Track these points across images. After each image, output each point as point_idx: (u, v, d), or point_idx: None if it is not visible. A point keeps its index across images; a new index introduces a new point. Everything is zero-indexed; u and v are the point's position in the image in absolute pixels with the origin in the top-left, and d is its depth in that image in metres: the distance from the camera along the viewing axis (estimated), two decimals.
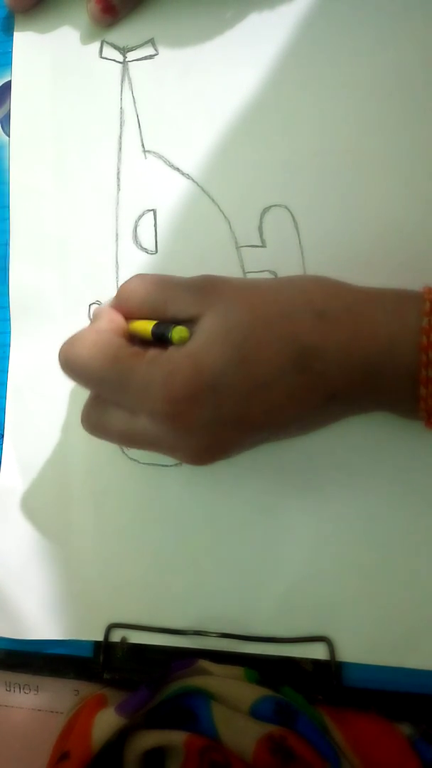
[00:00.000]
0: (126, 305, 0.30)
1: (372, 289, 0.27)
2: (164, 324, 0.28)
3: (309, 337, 0.26)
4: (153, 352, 0.27)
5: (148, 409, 0.27)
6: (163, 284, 0.29)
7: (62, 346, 0.29)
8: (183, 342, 0.27)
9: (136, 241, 0.35)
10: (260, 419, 0.26)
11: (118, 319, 0.30)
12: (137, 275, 0.30)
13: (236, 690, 0.30)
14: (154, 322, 0.28)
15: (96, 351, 0.28)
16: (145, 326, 0.28)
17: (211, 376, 0.25)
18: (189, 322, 0.27)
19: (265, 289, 0.28)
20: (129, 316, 0.30)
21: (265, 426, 0.27)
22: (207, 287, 0.28)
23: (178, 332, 0.27)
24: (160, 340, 0.28)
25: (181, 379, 0.26)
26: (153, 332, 0.28)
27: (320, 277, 0.28)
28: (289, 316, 0.26)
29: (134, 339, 0.29)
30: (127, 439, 0.29)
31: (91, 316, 0.31)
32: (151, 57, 0.35)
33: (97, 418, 0.30)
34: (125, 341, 0.29)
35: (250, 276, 0.33)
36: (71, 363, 0.29)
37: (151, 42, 0.35)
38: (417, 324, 0.25)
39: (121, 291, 0.30)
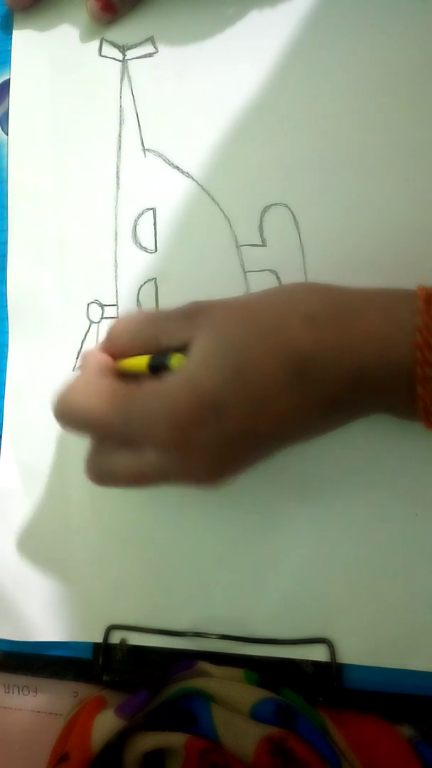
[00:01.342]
0: (118, 344, 0.30)
1: (363, 290, 0.27)
2: (160, 355, 0.28)
3: (302, 344, 0.25)
4: (148, 384, 0.27)
5: (153, 440, 0.26)
6: (151, 319, 0.29)
7: (56, 400, 0.29)
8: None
9: (136, 240, 0.35)
10: (265, 432, 0.26)
11: (105, 359, 0.30)
12: (122, 317, 0.31)
13: (236, 692, 0.30)
14: (147, 357, 0.28)
15: (91, 396, 0.28)
16: (139, 362, 0.29)
17: (210, 396, 0.25)
18: (182, 349, 0.27)
19: (253, 303, 0.28)
20: (121, 356, 0.30)
21: (270, 439, 0.27)
22: (195, 312, 0.28)
23: (176, 359, 0.27)
24: (157, 372, 0.28)
25: (182, 404, 0.25)
26: (150, 366, 0.28)
27: (307, 283, 0.28)
28: (281, 325, 0.26)
29: (124, 377, 0.29)
30: (135, 478, 0.28)
31: (80, 362, 0.31)
32: (150, 55, 0.35)
33: (101, 466, 0.29)
34: (116, 380, 0.29)
35: (250, 275, 0.33)
36: (68, 414, 0.28)
37: (151, 40, 0.35)
38: (411, 322, 0.25)
39: (110, 333, 0.30)
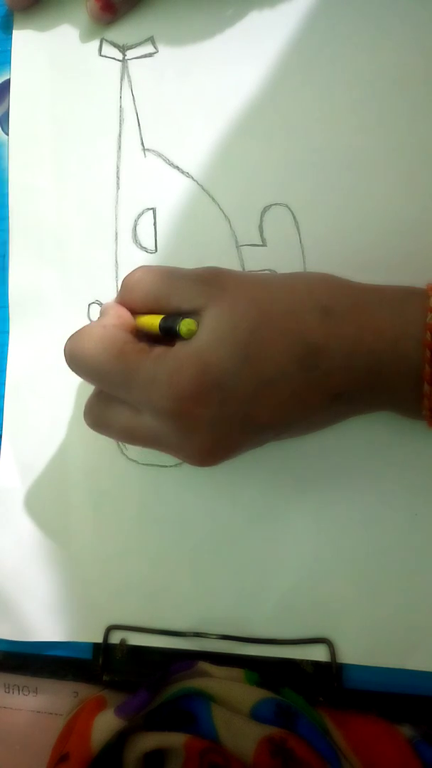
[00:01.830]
0: (130, 296, 0.29)
1: (377, 286, 0.27)
2: (172, 317, 0.27)
3: (314, 335, 0.25)
4: (159, 349, 0.27)
5: (153, 406, 0.26)
6: (168, 276, 0.29)
7: (68, 341, 0.29)
8: (191, 334, 0.26)
9: (136, 240, 0.35)
10: (265, 418, 0.26)
11: (125, 315, 0.29)
12: (141, 267, 0.30)
13: (236, 692, 0.30)
14: (161, 316, 0.28)
15: (102, 346, 0.28)
16: (152, 321, 0.28)
17: (217, 374, 0.25)
18: (194, 313, 0.27)
19: (270, 285, 0.27)
20: (133, 308, 0.30)
21: (269, 425, 0.27)
22: (212, 279, 0.27)
23: (186, 324, 0.26)
24: (167, 334, 0.27)
25: (187, 376, 0.25)
26: (161, 326, 0.28)
27: (325, 274, 0.28)
28: (295, 313, 0.26)
29: (141, 335, 0.29)
30: (129, 435, 0.28)
31: (100, 312, 0.30)
32: (150, 55, 0.35)
33: (99, 414, 0.29)
34: (132, 336, 0.28)
35: None
36: (76, 357, 0.28)
37: (151, 40, 0.35)
38: (421, 320, 0.25)
39: (126, 282, 0.30)
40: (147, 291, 0.29)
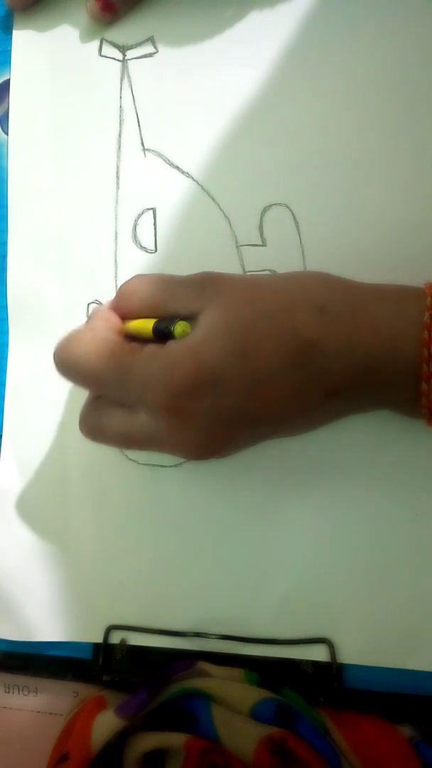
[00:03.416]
0: (126, 304, 0.29)
1: (374, 285, 0.27)
2: (166, 320, 0.27)
3: (309, 332, 0.25)
4: (151, 347, 0.27)
5: (148, 404, 0.26)
6: (163, 282, 0.29)
7: (57, 346, 0.29)
8: (185, 336, 0.26)
9: (136, 240, 0.35)
10: (260, 414, 0.26)
11: (114, 318, 0.29)
12: (137, 275, 0.30)
13: (236, 692, 0.30)
14: (154, 320, 0.28)
15: (92, 348, 0.28)
16: (145, 324, 0.28)
17: (211, 369, 0.25)
18: (190, 318, 0.27)
19: (265, 285, 0.28)
20: (129, 316, 0.30)
21: (264, 421, 0.27)
22: (206, 283, 0.27)
23: (180, 327, 0.27)
24: (161, 336, 0.27)
25: (181, 372, 0.25)
26: (155, 329, 0.28)
27: (321, 273, 0.28)
28: (290, 310, 0.26)
29: (131, 338, 0.29)
30: (126, 439, 0.28)
31: (88, 317, 0.31)
32: (150, 55, 0.35)
33: (95, 421, 0.29)
34: (121, 338, 0.28)
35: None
36: (67, 362, 0.28)
37: (151, 40, 0.35)
38: (418, 319, 0.25)
39: (121, 290, 0.30)
40: (143, 298, 0.29)
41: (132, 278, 0.30)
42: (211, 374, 0.25)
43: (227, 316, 0.26)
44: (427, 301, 0.25)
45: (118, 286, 0.30)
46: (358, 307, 0.26)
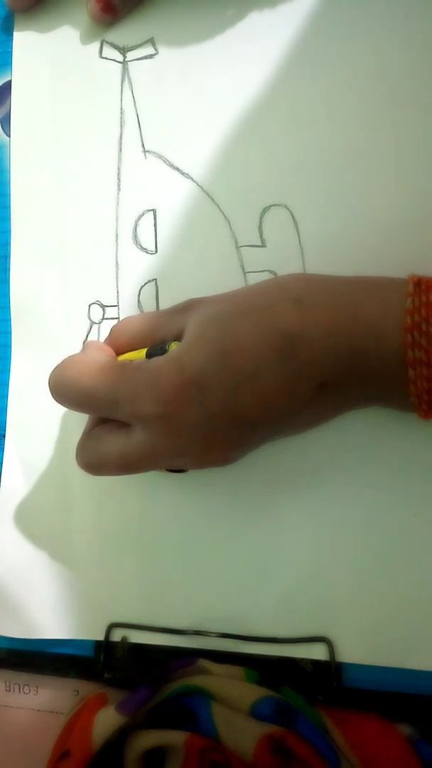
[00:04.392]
0: (116, 341, 0.31)
1: (355, 277, 0.27)
2: (158, 346, 0.29)
3: (289, 324, 0.25)
4: (138, 361, 0.28)
5: (140, 415, 0.27)
6: (150, 316, 0.31)
7: (51, 374, 0.30)
8: None
9: (136, 241, 0.35)
10: (254, 412, 0.26)
11: (107, 348, 0.31)
12: (127, 317, 0.32)
13: (236, 690, 0.30)
14: (144, 350, 0.29)
15: (84, 369, 0.29)
16: (138, 355, 0.30)
17: (193, 373, 0.26)
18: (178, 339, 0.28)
19: (243, 291, 0.29)
20: (121, 351, 0.31)
21: (260, 420, 0.26)
22: (188, 305, 0.29)
23: (173, 347, 0.28)
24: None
25: (165, 378, 0.26)
26: (148, 354, 0.29)
27: (300, 273, 0.29)
28: (268, 306, 0.26)
29: None
30: (126, 461, 0.28)
31: (82, 348, 0.32)
32: (151, 56, 0.35)
33: (92, 449, 0.29)
34: (111, 358, 0.30)
35: (250, 276, 0.33)
36: (60, 385, 0.29)
37: (151, 41, 0.35)
38: (400, 305, 0.25)
39: (112, 330, 0.31)
40: (133, 333, 0.30)
41: (121, 320, 0.32)
42: (195, 378, 0.25)
43: (206, 322, 0.27)
44: (409, 287, 0.25)
45: (112, 327, 0.32)
46: (338, 295, 0.26)
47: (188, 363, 0.26)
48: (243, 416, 0.26)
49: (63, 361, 0.30)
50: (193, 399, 0.25)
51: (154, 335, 0.30)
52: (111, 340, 0.31)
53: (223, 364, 0.25)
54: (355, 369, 0.25)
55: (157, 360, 0.27)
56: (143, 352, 0.29)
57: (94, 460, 0.29)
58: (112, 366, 0.28)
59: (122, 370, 0.28)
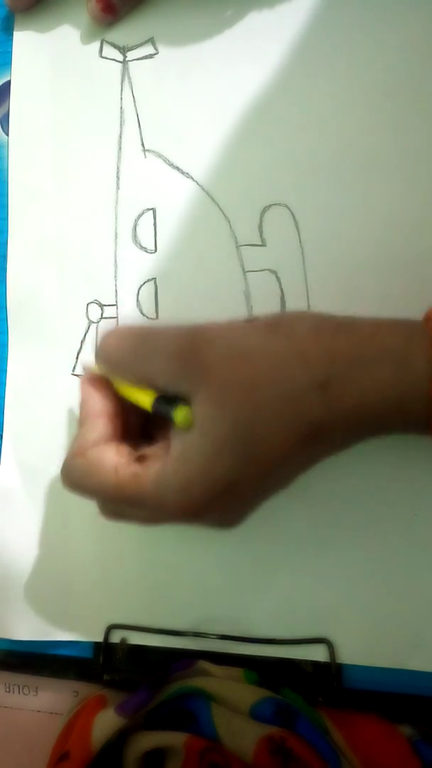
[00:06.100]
0: (109, 368, 0.29)
1: (372, 330, 0.25)
2: (165, 403, 0.26)
3: (316, 415, 0.24)
4: (156, 468, 0.26)
5: (167, 517, 0.27)
6: (144, 348, 0.27)
7: (61, 472, 0.28)
8: (187, 424, 0.25)
9: (136, 241, 0.35)
10: (271, 492, 0.27)
11: (103, 413, 0.29)
12: (113, 332, 0.28)
13: (236, 691, 0.30)
14: (150, 396, 0.27)
15: (96, 480, 0.27)
16: (142, 400, 0.27)
17: (226, 481, 0.25)
18: (181, 399, 0.26)
19: (257, 360, 0.25)
20: (115, 378, 0.29)
21: (274, 493, 0.27)
22: (191, 358, 0.25)
23: (182, 414, 0.25)
24: (160, 415, 0.27)
25: (197, 492, 0.25)
26: (154, 410, 0.27)
27: (315, 323, 0.26)
28: (292, 396, 0.24)
29: (123, 401, 0.29)
30: (149, 524, 0.29)
31: (78, 423, 0.30)
32: (151, 56, 0.35)
33: (114, 512, 0.29)
34: (117, 455, 0.27)
35: (250, 275, 0.33)
36: (77, 490, 0.28)
37: (151, 41, 0.35)
38: (425, 372, 0.23)
39: (102, 352, 0.28)
40: (126, 367, 0.27)
41: (108, 336, 0.28)
42: (226, 485, 0.25)
43: (226, 414, 0.24)
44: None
45: (98, 343, 0.29)
46: (361, 371, 0.24)
47: (218, 474, 0.25)
48: (262, 496, 0.27)
49: (69, 465, 0.28)
50: (223, 503, 0.25)
51: (151, 379, 0.26)
52: (103, 365, 0.29)
53: (251, 467, 0.25)
54: (374, 436, 0.26)
55: (179, 472, 0.25)
56: (148, 401, 0.27)
57: (119, 518, 0.29)
58: (128, 479, 0.26)
59: (141, 484, 0.26)
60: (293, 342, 0.25)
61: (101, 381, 0.29)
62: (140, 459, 0.27)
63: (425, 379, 0.23)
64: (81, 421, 0.29)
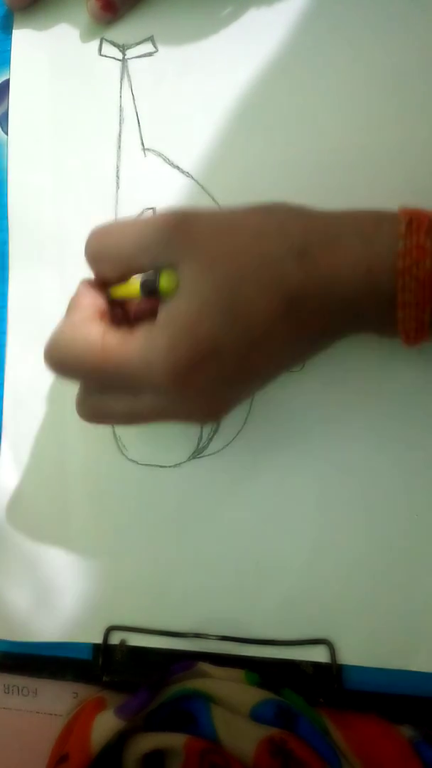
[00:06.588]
0: (99, 268, 0.29)
1: (347, 212, 0.27)
2: (150, 279, 0.27)
3: (293, 280, 0.25)
4: (142, 331, 0.27)
5: (152, 387, 0.27)
6: (131, 232, 0.28)
7: (45, 350, 0.28)
8: (172, 290, 0.26)
9: None
10: (261, 368, 0.27)
11: (93, 303, 0.29)
12: (96, 231, 0.29)
13: (236, 692, 0.30)
14: (136, 282, 0.28)
15: (83, 348, 0.27)
16: (130, 290, 0.28)
17: (210, 343, 0.26)
18: (168, 267, 0.27)
19: (240, 230, 0.27)
20: (107, 279, 0.29)
21: (262, 374, 0.28)
22: (178, 230, 0.26)
23: (166, 279, 0.27)
24: (149, 294, 0.28)
25: (182, 352, 0.25)
26: (142, 290, 0.28)
27: (294, 207, 0.27)
28: (273, 264, 0.26)
29: (118, 303, 0.29)
30: (131, 418, 0.29)
31: (69, 305, 0.30)
32: (150, 54, 0.35)
33: (95, 404, 0.29)
34: (105, 325, 0.28)
35: None
36: (60, 365, 0.28)
37: (151, 39, 0.35)
38: (393, 248, 0.25)
39: (90, 254, 0.29)
40: (115, 258, 0.28)
41: (92, 236, 0.29)
42: (211, 347, 0.26)
43: (210, 274, 0.26)
44: (401, 228, 0.25)
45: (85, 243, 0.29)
46: (335, 243, 0.26)
47: (203, 332, 0.25)
48: (251, 371, 0.27)
49: (55, 338, 0.28)
50: (209, 366, 0.26)
51: (139, 261, 0.28)
52: (93, 267, 0.29)
53: (236, 330, 0.26)
54: (352, 314, 0.26)
55: (165, 330, 0.26)
56: (135, 288, 0.28)
57: (98, 413, 0.29)
58: (114, 344, 0.27)
59: (127, 347, 0.27)
60: (274, 217, 0.27)
61: (97, 284, 0.30)
62: (128, 329, 0.27)
63: (391, 252, 0.25)
64: (69, 308, 0.29)
